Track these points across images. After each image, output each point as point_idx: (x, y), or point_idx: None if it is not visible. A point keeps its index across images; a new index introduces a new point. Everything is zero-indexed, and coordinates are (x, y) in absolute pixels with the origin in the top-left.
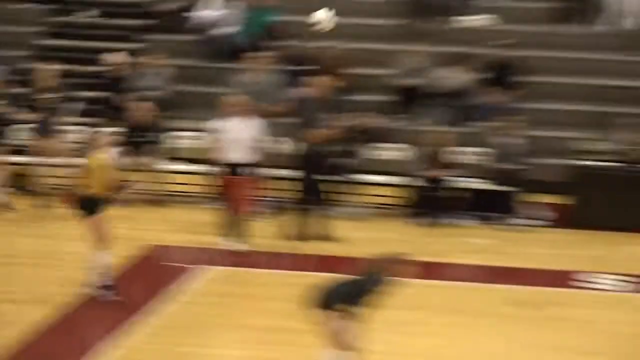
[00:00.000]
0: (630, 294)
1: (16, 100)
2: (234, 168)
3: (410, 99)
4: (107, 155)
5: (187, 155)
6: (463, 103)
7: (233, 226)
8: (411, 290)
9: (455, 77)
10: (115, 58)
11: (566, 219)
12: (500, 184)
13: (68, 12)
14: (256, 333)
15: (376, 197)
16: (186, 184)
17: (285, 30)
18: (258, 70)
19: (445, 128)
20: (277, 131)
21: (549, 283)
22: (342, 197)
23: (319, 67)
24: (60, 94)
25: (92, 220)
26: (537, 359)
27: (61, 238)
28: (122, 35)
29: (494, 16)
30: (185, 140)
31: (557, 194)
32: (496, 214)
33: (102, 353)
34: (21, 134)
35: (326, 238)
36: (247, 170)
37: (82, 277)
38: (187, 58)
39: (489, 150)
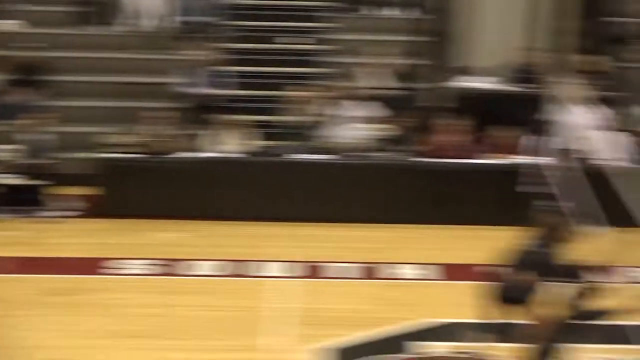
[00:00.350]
0: (156, 277)
1: None
2: None
3: None
4: None
5: None
6: None
7: None
8: None
9: None
10: None
11: (97, 209)
12: (32, 178)
13: None
14: None
15: None
16: None
17: None
18: None
19: None
20: None
21: (81, 271)
22: None
23: None
24: None
25: None
26: (74, 343)
27: None
28: None
29: (20, 21)
30: None
31: (87, 186)
32: (30, 207)
33: None
34: None
35: None
36: None
37: None
38: None
39: (18, 146)
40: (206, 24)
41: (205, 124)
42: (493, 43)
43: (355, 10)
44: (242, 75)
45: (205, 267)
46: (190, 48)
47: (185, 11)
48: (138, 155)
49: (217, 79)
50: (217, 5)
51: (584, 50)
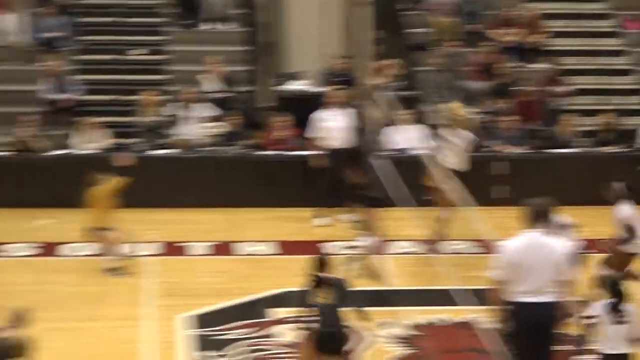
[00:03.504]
0: (34, 258)
1: None
2: None
3: None
4: None
5: None
6: None
7: None
8: None
9: None
10: None
11: None
12: None
13: None
14: None
15: None
16: None
17: None
18: None
19: None
20: None
21: None
22: None
23: None
24: None
25: None
26: None
27: None
28: None
29: None
30: None
31: None
32: None
33: None
34: None
35: None
36: None
37: None
38: None
39: None
40: (61, 38)
41: (70, 125)
42: (310, 50)
43: (194, 24)
44: (98, 82)
45: (77, 249)
46: (50, 59)
47: (43, 28)
48: (14, 153)
49: (72, 87)
50: (70, 23)
51: (385, 57)
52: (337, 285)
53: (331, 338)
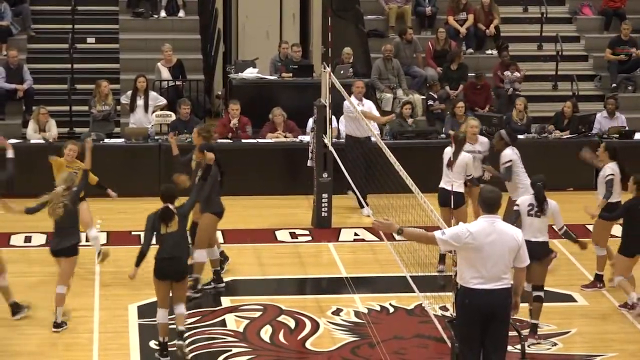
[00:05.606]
0: None
1: None
2: None
3: None
4: None
5: None
6: None
7: None
8: None
9: None
10: None
11: None
12: None
13: None
14: None
15: None
16: None
17: None
18: None
19: None
20: None
21: None
22: None
23: None
24: None
25: None
26: None
27: None
28: None
29: None
30: None
31: None
32: None
33: None
34: None
35: None
36: None
37: None
38: None
39: None
40: (12, 27)
41: (23, 114)
42: (264, 38)
43: (147, 13)
44: (50, 71)
45: (26, 239)
46: (1, 48)
47: None
48: None
49: (24, 75)
50: (21, 11)
51: (339, 44)
52: (179, 215)
53: (169, 264)
